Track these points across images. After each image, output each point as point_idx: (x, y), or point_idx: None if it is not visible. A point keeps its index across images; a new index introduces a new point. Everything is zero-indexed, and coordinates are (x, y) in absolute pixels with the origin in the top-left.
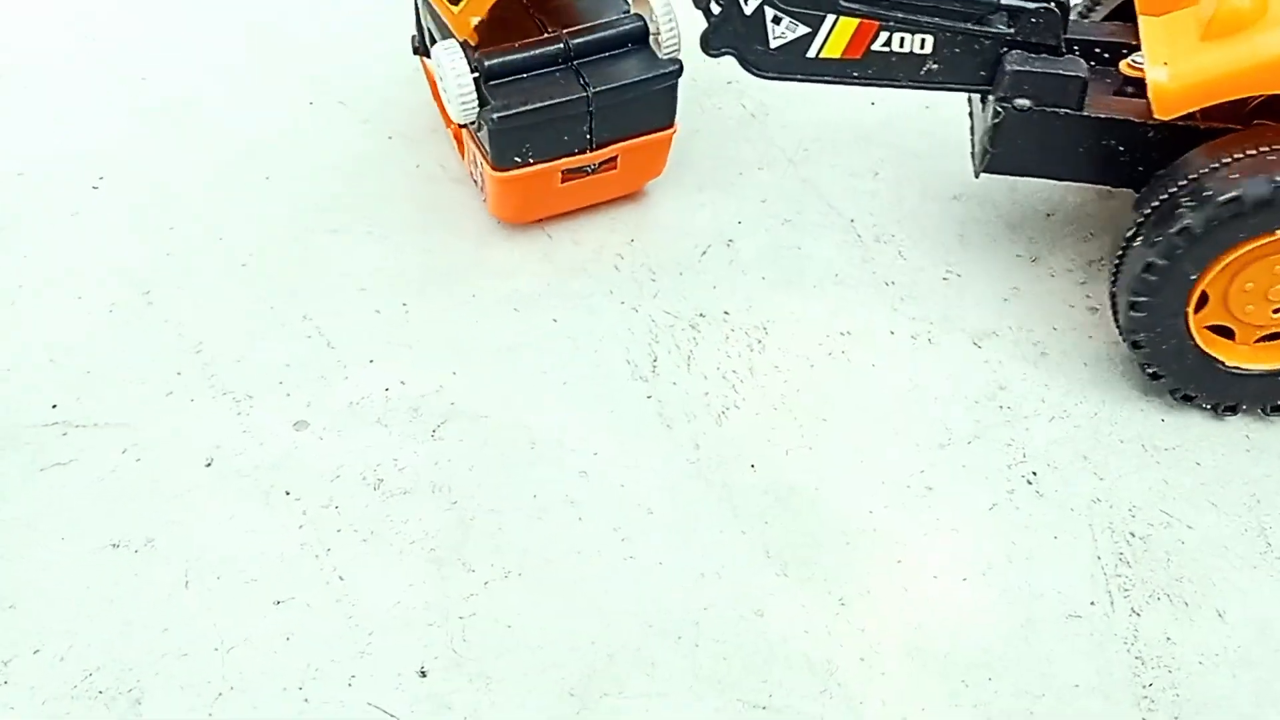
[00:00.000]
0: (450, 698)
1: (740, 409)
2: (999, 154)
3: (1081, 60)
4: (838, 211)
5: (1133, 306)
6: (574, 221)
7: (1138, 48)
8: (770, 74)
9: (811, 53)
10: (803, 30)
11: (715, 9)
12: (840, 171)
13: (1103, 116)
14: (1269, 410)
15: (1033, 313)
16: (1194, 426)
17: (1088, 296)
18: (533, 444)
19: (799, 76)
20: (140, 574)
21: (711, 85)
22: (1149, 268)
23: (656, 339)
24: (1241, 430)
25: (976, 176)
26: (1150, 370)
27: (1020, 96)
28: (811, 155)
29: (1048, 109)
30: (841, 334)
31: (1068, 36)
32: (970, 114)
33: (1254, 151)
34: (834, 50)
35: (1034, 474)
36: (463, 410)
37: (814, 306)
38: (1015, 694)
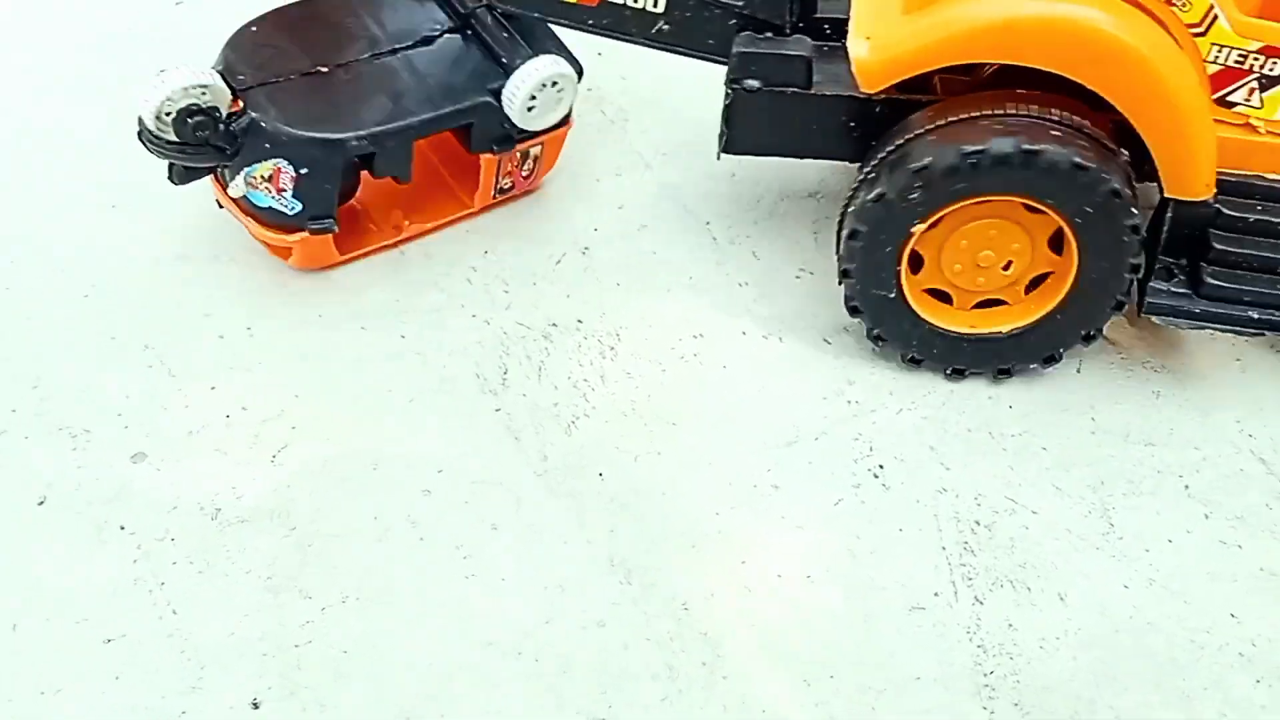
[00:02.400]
0: None
1: (590, 417)
2: (736, 134)
3: (807, 39)
4: (694, 215)
5: (845, 274)
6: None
7: None
8: (517, 7)
9: None
10: None
11: None
12: (698, 174)
13: (829, 94)
14: (998, 374)
15: None
16: (1040, 412)
17: None
18: (375, 465)
19: (535, 13)
20: None
21: None
22: (854, 235)
23: (507, 351)
24: (1087, 414)
25: (718, 158)
26: (875, 334)
27: (749, 77)
28: (670, 159)
29: (776, 89)
30: (694, 337)
31: (817, 16)
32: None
33: (955, 119)
34: None
35: (881, 467)
36: (304, 434)
37: (667, 311)
38: (857, 690)
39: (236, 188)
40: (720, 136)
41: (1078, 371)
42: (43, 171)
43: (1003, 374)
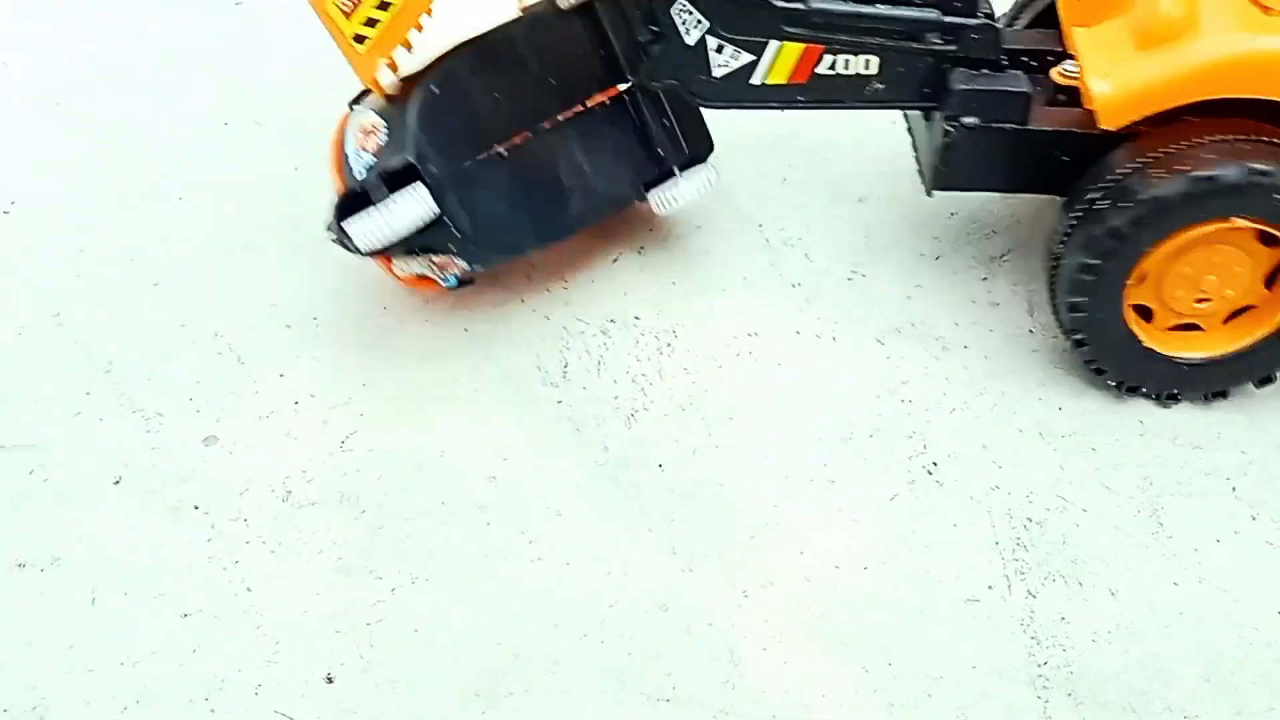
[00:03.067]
0: (356, 703)
1: (649, 411)
2: (950, 171)
3: (1023, 75)
4: (746, 217)
5: (1072, 307)
6: None
7: (1064, 55)
8: (716, 103)
9: (756, 79)
10: (746, 58)
11: (654, 42)
12: (749, 178)
13: (1047, 129)
14: (1209, 397)
15: (935, 309)
16: (1090, 414)
17: (989, 291)
18: (442, 452)
19: (745, 104)
20: (46, 592)
21: None
22: (1084, 268)
23: (567, 345)
24: (1135, 415)
25: (929, 194)
26: (1094, 366)
27: (968, 115)
28: (722, 162)
29: (994, 125)
30: (749, 335)
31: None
32: (910, 131)
33: (1176, 147)
34: (779, 76)
35: (934, 464)
36: (372, 421)
37: (722, 309)
38: (914, 678)
39: (404, 268)
40: (934, 173)
41: None
42: (113, 166)
43: (1217, 396)
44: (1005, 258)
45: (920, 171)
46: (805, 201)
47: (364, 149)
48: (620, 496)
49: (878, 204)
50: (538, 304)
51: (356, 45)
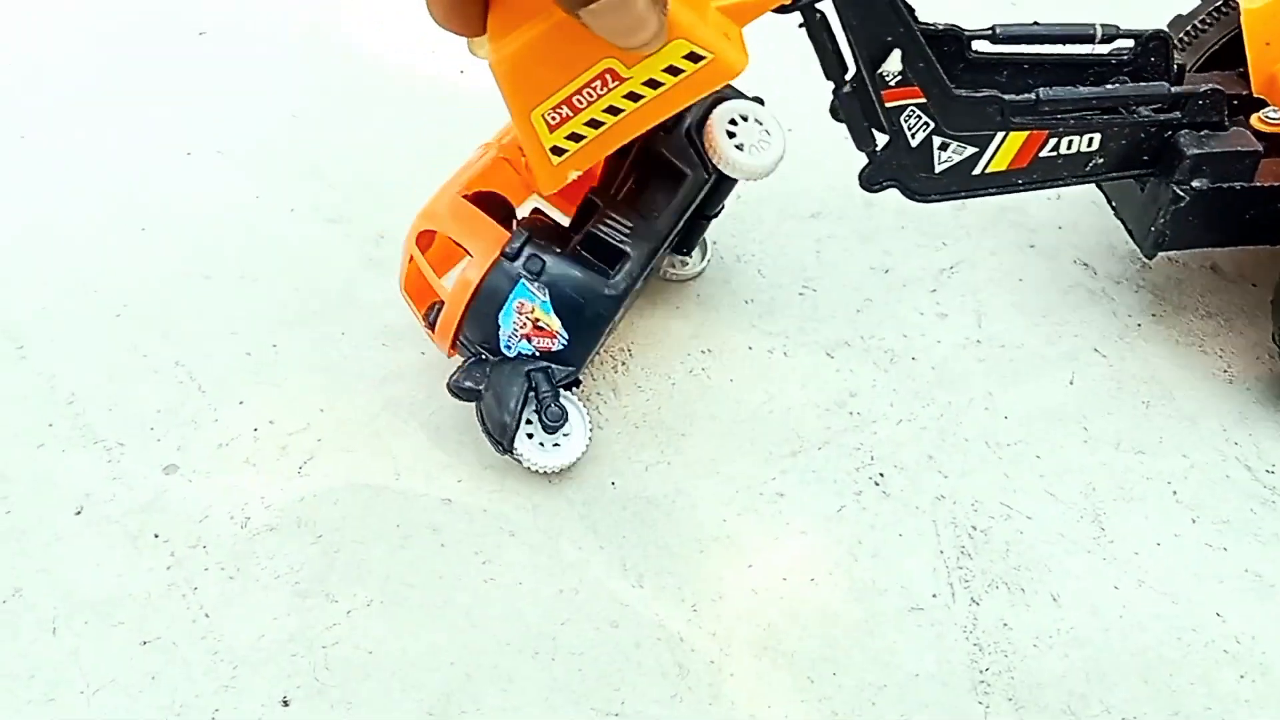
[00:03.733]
0: None
1: (603, 429)
2: (1173, 234)
3: (1248, 133)
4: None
5: None
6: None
7: (1254, 100)
8: (932, 197)
9: (977, 170)
10: (970, 151)
11: (880, 148)
12: None
13: (1275, 185)
14: None
15: (884, 322)
16: (1034, 422)
17: (938, 304)
18: (397, 474)
19: (961, 194)
20: (6, 624)
21: None
22: None
23: None
24: (1079, 423)
25: (1150, 259)
26: None
27: (1198, 179)
28: None
29: (1223, 185)
30: (702, 352)
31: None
32: (1109, 198)
33: None
34: (1000, 164)
35: (881, 475)
36: (329, 446)
37: (677, 327)
38: (859, 687)
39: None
40: (1158, 238)
41: (1071, 384)
42: (75, 198)
43: None
44: (954, 270)
45: (1135, 237)
46: (758, 218)
47: (528, 339)
48: (573, 515)
49: (828, 219)
50: None
51: (552, 156)
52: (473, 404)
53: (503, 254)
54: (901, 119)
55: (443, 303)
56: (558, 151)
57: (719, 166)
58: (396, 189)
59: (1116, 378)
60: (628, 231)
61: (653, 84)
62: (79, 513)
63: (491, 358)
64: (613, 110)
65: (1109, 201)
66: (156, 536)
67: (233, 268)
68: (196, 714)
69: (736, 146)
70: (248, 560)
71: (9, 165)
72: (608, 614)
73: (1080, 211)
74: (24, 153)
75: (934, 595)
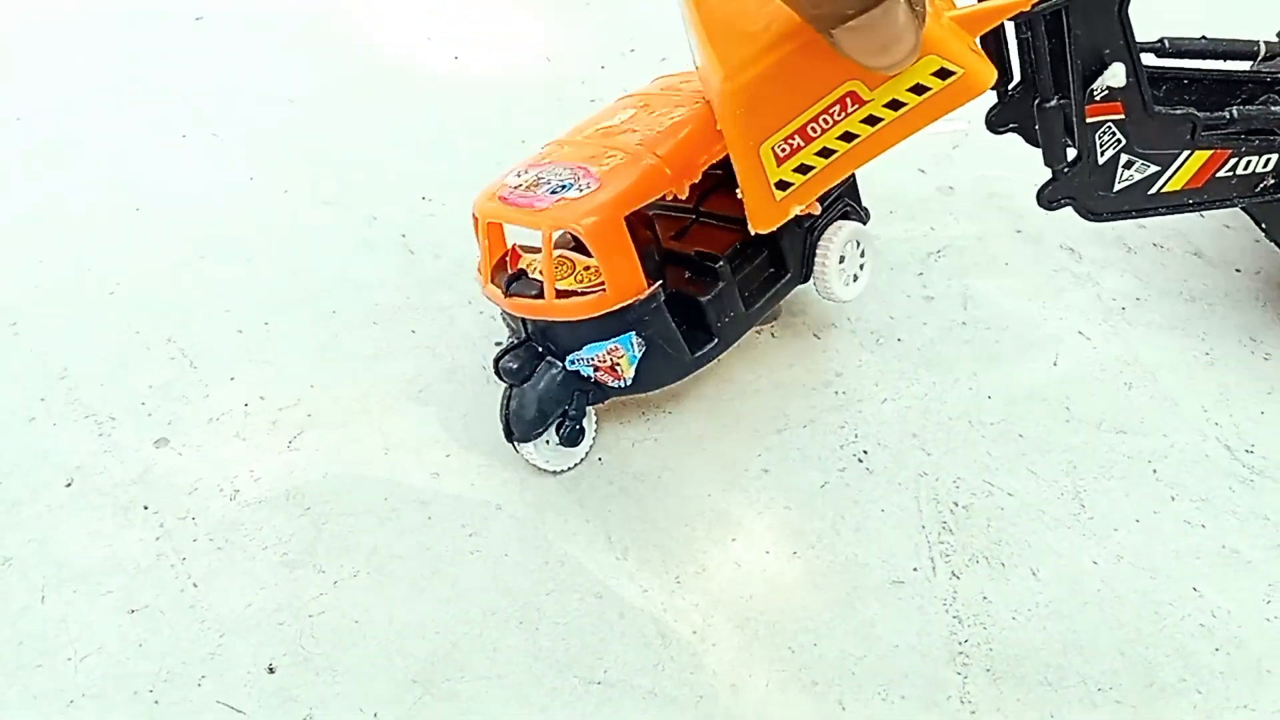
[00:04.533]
0: (296, 691)
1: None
2: None
3: None
4: None
5: None
6: (437, 236)
7: None
8: (1105, 216)
9: (1153, 190)
10: (1151, 170)
11: (1068, 165)
12: None
13: None
14: None
15: (871, 303)
16: (1018, 402)
17: (924, 286)
18: (386, 450)
19: (1133, 214)
20: None
21: (575, 102)
22: None
23: None
24: (1062, 403)
25: None
26: None
27: None
28: None
29: None
30: None
31: None
32: (1257, 221)
33: None
34: (1177, 184)
35: (865, 453)
36: (319, 421)
37: None
38: (838, 657)
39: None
40: None
41: (1054, 365)
42: (71, 180)
43: None
44: (941, 254)
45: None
46: None
47: (596, 369)
48: (559, 490)
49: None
50: (484, 305)
51: (776, 191)
52: (502, 386)
53: (631, 305)
54: (1096, 135)
55: (523, 272)
56: (782, 186)
57: (815, 284)
58: (391, 173)
59: (1100, 360)
60: (729, 318)
61: (894, 105)
62: (70, 485)
63: (548, 355)
64: (847, 137)
65: (1258, 224)
66: (146, 508)
67: (227, 248)
68: (182, 680)
69: (841, 274)
70: (236, 532)
71: (4, 146)
72: (592, 585)
73: None
74: (20, 135)
75: (915, 569)
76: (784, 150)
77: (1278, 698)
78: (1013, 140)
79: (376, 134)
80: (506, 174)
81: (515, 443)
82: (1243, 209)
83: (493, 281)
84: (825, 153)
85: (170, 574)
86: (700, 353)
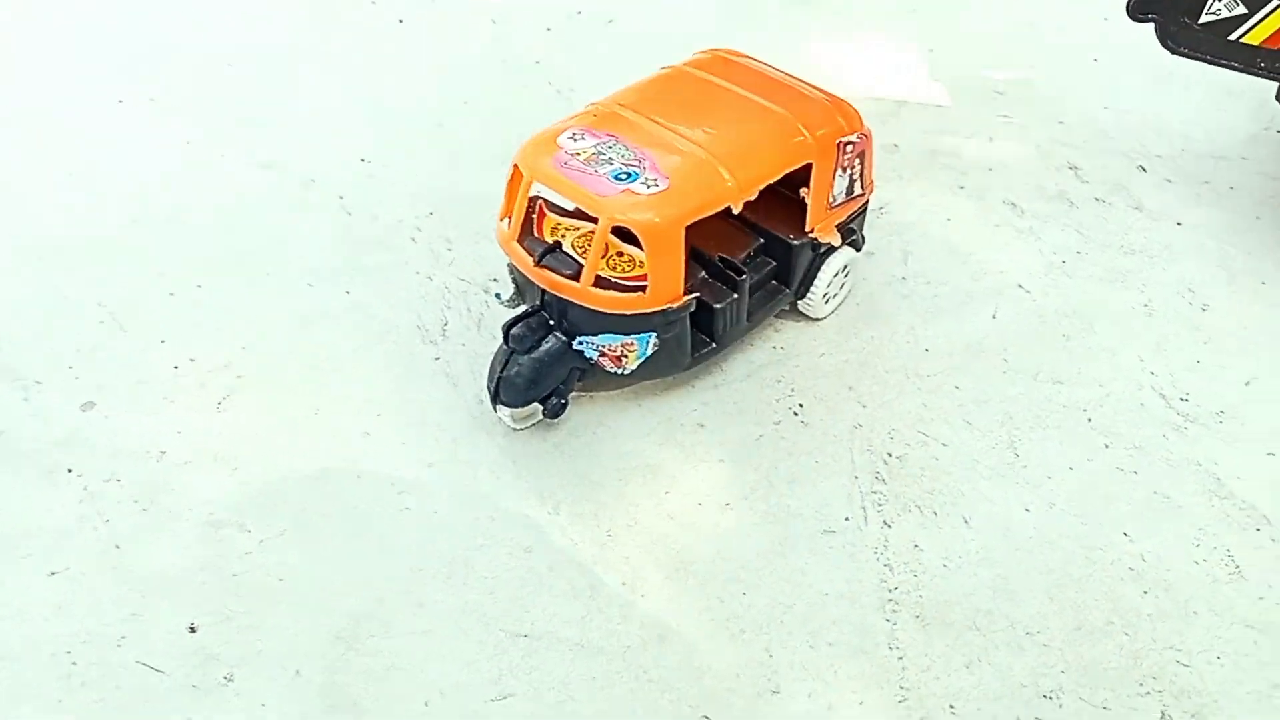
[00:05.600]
0: (218, 650)
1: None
2: None
3: None
4: None
5: None
6: (374, 197)
7: None
8: (1183, 49)
9: (1234, 35)
10: (1239, 10)
11: None
12: None
13: None
14: None
15: None
16: (955, 354)
17: (866, 242)
18: (317, 410)
19: (1209, 58)
20: None
21: (520, 64)
22: None
23: (449, 305)
24: (999, 355)
25: None
26: None
27: None
28: None
29: None
30: None
31: None
32: None
33: None
34: (1258, 36)
35: (801, 405)
36: (249, 383)
37: None
38: (768, 605)
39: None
40: None
41: (993, 318)
42: (3, 147)
43: None
44: (884, 210)
45: None
46: None
47: (602, 354)
48: (493, 448)
49: None
50: (420, 265)
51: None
52: (490, 353)
53: (667, 309)
54: None
55: (558, 244)
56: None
57: (798, 302)
58: (330, 136)
59: (1039, 312)
60: (734, 326)
61: None
62: None
63: (555, 329)
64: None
65: None
66: (70, 471)
67: (161, 212)
68: (102, 641)
69: (824, 296)
70: (162, 493)
71: None
72: (522, 540)
73: (1011, 154)
74: None
75: (847, 519)
76: None
77: (1203, 638)
78: (957, 100)
79: (317, 98)
80: (559, 130)
81: (497, 405)
82: None
83: (521, 243)
84: None
85: (93, 536)
86: (698, 354)
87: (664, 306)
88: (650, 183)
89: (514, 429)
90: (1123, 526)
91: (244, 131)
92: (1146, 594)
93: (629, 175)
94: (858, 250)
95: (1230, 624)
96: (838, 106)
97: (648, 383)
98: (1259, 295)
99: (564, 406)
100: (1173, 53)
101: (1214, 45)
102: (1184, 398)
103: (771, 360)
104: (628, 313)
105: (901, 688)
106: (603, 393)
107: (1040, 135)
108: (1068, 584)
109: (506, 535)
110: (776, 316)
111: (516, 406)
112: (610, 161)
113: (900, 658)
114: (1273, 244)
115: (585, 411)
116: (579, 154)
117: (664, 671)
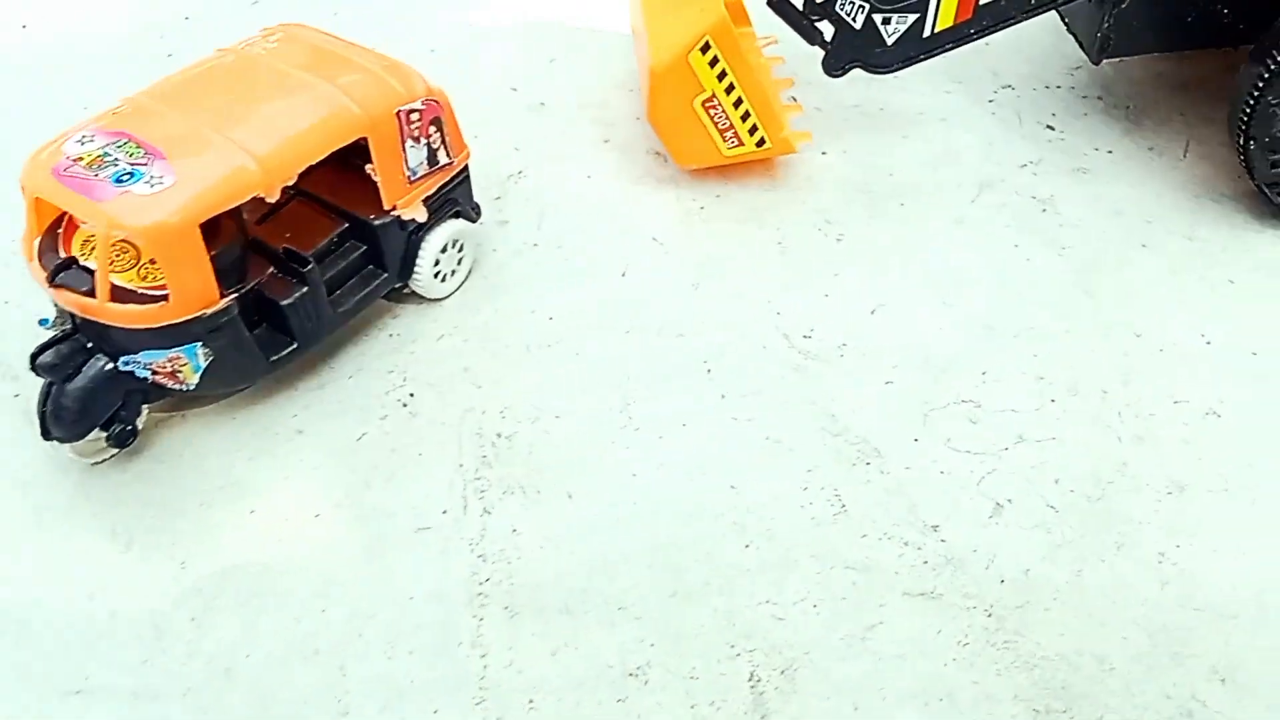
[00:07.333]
0: None
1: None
2: (1118, 39)
3: None
4: None
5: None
6: None
7: None
8: (895, 66)
9: (926, 32)
10: (912, 18)
11: (827, 35)
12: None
13: None
14: None
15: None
16: (576, 317)
17: (499, 211)
18: None
19: (922, 56)
20: None
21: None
22: None
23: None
24: (625, 317)
25: (1096, 64)
26: None
27: None
28: None
29: None
30: None
31: None
32: (1064, 19)
33: None
34: (946, 20)
35: (411, 395)
36: None
37: None
38: (346, 619)
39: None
40: (1104, 43)
41: (623, 276)
42: None
43: None
44: (522, 174)
45: (1084, 46)
46: None
47: (154, 373)
48: (67, 485)
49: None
50: None
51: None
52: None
53: (198, 318)
54: (838, 8)
55: (74, 259)
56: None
57: (410, 283)
58: None
59: (670, 264)
60: (314, 321)
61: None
62: None
63: (95, 352)
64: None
65: (1062, 19)
66: None
67: None
68: None
69: (436, 275)
70: None
71: None
72: (87, 584)
73: None
74: None
75: (444, 512)
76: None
77: (801, 586)
78: (612, 52)
79: None
80: (69, 136)
81: (52, 439)
82: (1057, 12)
83: (40, 260)
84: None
85: None
86: (277, 357)
87: (195, 314)
88: (154, 181)
89: (90, 464)
90: (730, 480)
91: None
92: (748, 547)
93: (131, 176)
94: (472, 222)
95: (831, 567)
96: (395, 73)
97: (244, 393)
98: (896, 217)
99: (133, 433)
100: (891, 73)
101: (920, 45)
102: (807, 335)
103: (386, 349)
104: (153, 326)
105: (481, 688)
106: (196, 410)
107: None
108: (670, 548)
109: (70, 581)
110: (395, 300)
111: (71, 440)
112: (116, 163)
113: (483, 655)
114: (916, 164)
115: (174, 432)
116: (81, 159)
117: (225, 710)
